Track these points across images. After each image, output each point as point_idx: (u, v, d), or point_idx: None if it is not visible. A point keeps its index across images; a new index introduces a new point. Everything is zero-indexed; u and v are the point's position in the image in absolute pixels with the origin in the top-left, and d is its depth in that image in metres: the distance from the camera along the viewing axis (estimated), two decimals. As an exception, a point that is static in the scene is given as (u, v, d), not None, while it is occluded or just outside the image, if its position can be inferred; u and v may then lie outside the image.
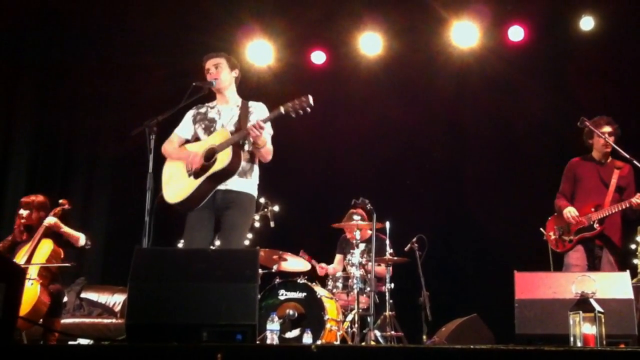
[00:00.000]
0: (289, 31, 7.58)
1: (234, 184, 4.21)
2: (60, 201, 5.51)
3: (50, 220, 5.34)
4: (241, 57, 7.44)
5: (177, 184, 4.15)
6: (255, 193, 4.35)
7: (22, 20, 7.40)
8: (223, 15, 7.30)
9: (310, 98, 4.10)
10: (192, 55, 6.98)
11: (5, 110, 7.72)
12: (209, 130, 4.37)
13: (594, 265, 4.95)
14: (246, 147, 4.28)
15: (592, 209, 4.95)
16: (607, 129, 5.05)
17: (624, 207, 4.82)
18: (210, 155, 4.19)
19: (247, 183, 4.28)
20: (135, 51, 7.56)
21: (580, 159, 5.25)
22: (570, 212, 4.98)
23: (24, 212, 5.45)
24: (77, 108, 8.15)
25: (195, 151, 4.25)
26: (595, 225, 4.91)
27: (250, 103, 4.46)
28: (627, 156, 4.73)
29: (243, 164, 4.21)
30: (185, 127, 4.46)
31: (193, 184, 4.19)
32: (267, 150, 4.28)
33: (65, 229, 5.40)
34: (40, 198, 5.56)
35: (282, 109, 4.12)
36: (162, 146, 4.29)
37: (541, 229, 5.25)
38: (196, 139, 4.44)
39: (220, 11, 7.25)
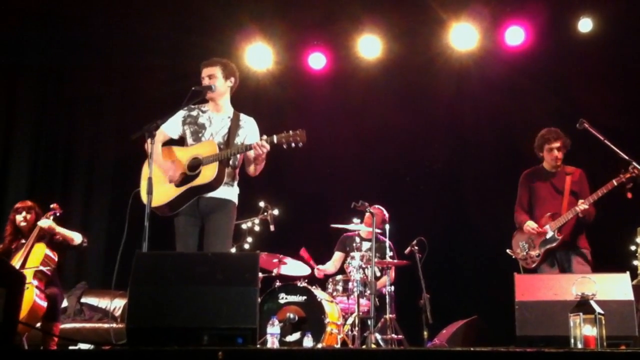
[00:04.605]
0: (288, 34, 7.59)
1: (217, 192, 4.27)
2: (52, 206, 5.51)
3: (45, 223, 5.34)
4: (240, 60, 7.44)
5: (156, 188, 4.02)
6: (236, 201, 4.41)
7: (22, 22, 7.41)
8: (223, 18, 7.31)
9: (305, 133, 4.12)
10: (191, 58, 6.99)
11: (6, 111, 7.74)
12: (197, 135, 4.39)
13: (564, 269, 4.99)
14: (231, 163, 4.33)
15: (550, 218, 5.02)
16: (556, 144, 5.15)
17: (574, 214, 4.91)
18: (194, 166, 4.22)
19: (229, 191, 4.34)
20: (135, 53, 7.57)
21: (532, 169, 5.36)
22: (529, 225, 5.09)
23: (27, 215, 5.46)
24: (77, 110, 8.17)
25: (178, 160, 4.28)
26: (557, 235, 4.97)
27: (242, 116, 4.49)
28: (627, 157, 4.74)
29: (226, 178, 4.26)
30: (174, 126, 4.45)
31: (174, 191, 4.23)
32: (262, 166, 4.34)
33: (60, 229, 5.40)
34: (31, 202, 5.60)
35: (275, 139, 4.15)
36: (146, 142, 4.11)
37: (507, 250, 5.31)
38: (181, 138, 4.46)
39: (220, 14, 7.25)
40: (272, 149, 4.20)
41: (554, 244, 4.99)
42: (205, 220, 4.29)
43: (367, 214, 5.97)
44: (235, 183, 4.42)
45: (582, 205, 4.86)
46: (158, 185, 4.12)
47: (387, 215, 6.30)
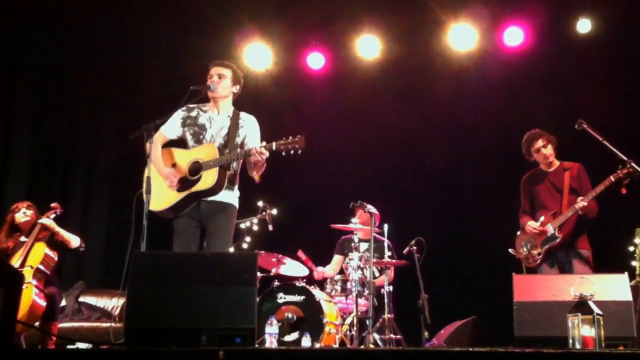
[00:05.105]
0: (287, 34, 7.59)
1: (218, 195, 4.28)
2: (52, 205, 5.51)
3: (46, 220, 5.35)
4: (239, 60, 7.44)
5: (158, 192, 4.08)
6: (237, 205, 4.42)
7: (22, 22, 7.41)
8: (222, 19, 7.31)
9: (304, 139, 4.11)
10: (191, 59, 7.04)
11: (5, 112, 7.73)
12: (197, 137, 4.39)
13: (564, 270, 5.01)
14: (232, 167, 4.34)
15: (551, 217, 5.06)
16: (540, 142, 5.21)
17: (574, 211, 4.93)
18: (195, 170, 4.24)
19: (229, 195, 4.35)
20: (135, 54, 7.58)
21: (530, 173, 5.40)
22: (530, 225, 5.14)
23: (27, 211, 5.47)
24: (77, 110, 8.17)
25: (179, 164, 4.30)
26: (557, 234, 5.00)
27: (242, 115, 4.49)
28: (625, 158, 4.75)
29: (226, 182, 4.27)
30: (173, 127, 4.46)
31: (175, 196, 4.25)
32: (263, 169, 4.35)
33: (59, 229, 5.41)
34: (29, 202, 5.61)
35: (274, 146, 4.15)
36: (146, 144, 4.10)
37: (510, 250, 5.33)
38: (181, 139, 4.47)
39: (219, 14, 7.25)
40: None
41: (555, 242, 5.01)
42: (206, 224, 4.30)
43: (359, 214, 5.97)
44: (236, 187, 4.43)
45: (581, 203, 4.88)
46: (160, 189, 4.17)
47: (376, 214, 6.18)
